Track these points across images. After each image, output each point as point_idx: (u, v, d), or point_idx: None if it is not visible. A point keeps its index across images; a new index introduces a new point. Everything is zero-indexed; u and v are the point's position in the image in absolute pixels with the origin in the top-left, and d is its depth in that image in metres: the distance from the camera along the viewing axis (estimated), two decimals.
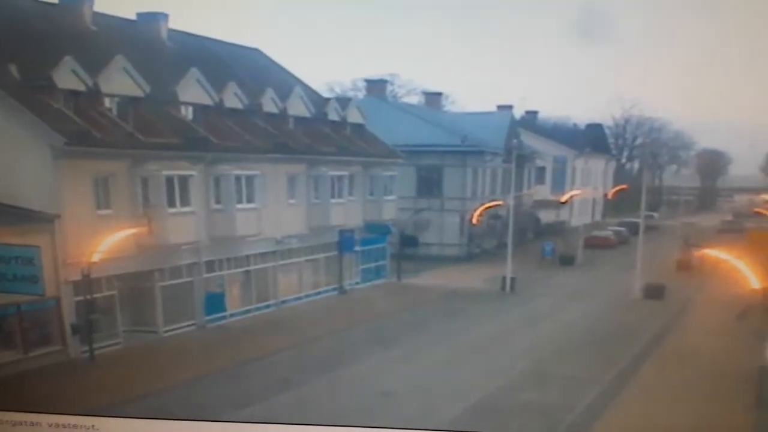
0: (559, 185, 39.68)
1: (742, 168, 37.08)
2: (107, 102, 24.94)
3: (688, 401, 20.38)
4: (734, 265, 25.64)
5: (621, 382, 22.78)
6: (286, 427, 8.24)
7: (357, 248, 32.68)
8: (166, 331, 25.97)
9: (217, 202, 27.10)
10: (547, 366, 23.98)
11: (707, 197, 43.38)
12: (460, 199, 35.40)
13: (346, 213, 31.68)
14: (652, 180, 40.87)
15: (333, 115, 31.95)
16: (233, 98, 28.28)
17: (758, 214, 33.49)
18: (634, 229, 35.71)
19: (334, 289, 32.08)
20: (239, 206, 27.35)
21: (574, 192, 39.46)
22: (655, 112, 38.94)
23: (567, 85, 29.66)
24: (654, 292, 30.80)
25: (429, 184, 35.36)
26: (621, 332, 27.38)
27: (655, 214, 39.31)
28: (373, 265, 33.85)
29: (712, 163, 41.72)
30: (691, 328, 27.82)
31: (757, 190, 34.97)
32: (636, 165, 42.73)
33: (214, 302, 27.52)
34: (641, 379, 23.09)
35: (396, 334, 26.73)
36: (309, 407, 20.59)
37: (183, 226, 25.85)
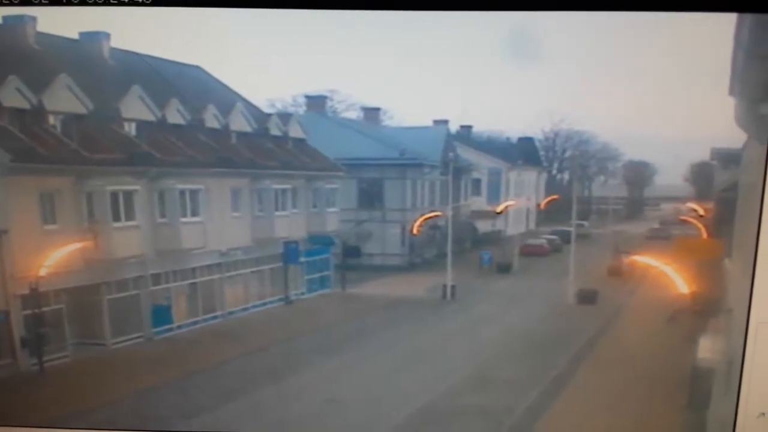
0: (494, 196, 40.11)
1: (667, 178, 37.78)
2: (52, 119, 25.13)
3: (624, 402, 21.14)
4: (663, 271, 26.44)
5: (558, 384, 23.51)
6: None
7: (302, 259, 32.87)
8: (115, 344, 26.10)
9: (162, 216, 27.37)
10: (488, 370, 24.58)
11: (635, 206, 43.96)
12: (401, 211, 35.66)
13: (290, 225, 31.91)
14: (581, 190, 41.53)
15: (275, 130, 32.24)
16: (175, 114, 28.53)
17: (684, 221, 34.15)
18: (566, 237, 36.28)
19: (280, 300, 32.19)
20: (184, 220, 27.65)
21: (508, 202, 40.05)
22: (583, 126, 39.38)
23: (499, 100, 30.21)
24: (587, 298, 31.43)
25: (370, 196, 35.55)
26: (557, 336, 27.96)
27: (586, 223, 39.94)
28: (317, 275, 34.07)
29: (639, 174, 42.37)
30: (623, 332, 28.47)
31: (682, 199, 35.60)
32: (566, 176, 43.35)
33: (162, 314, 27.68)
34: (577, 381, 23.83)
35: (341, 343, 27.11)
36: (257, 415, 20.96)
37: (128, 240, 26.09)
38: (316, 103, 35.82)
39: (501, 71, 28.42)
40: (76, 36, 27.59)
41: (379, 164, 34.98)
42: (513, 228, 40.20)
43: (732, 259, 16.03)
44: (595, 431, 19.56)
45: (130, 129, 27.43)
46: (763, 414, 7.88)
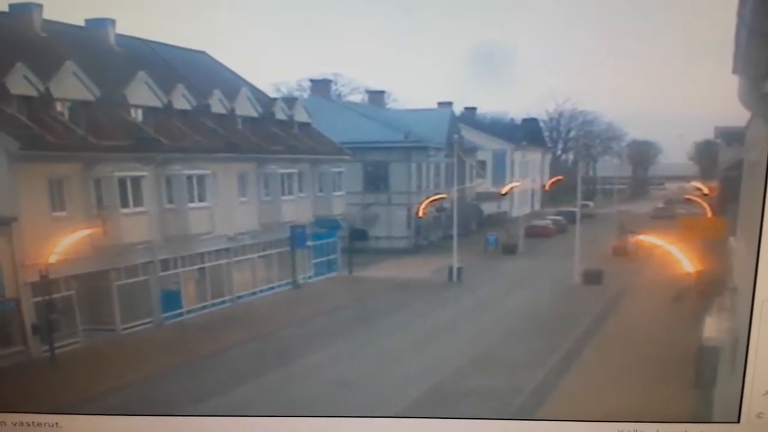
0: (499, 178, 40.16)
1: (671, 157, 37.85)
2: (59, 106, 25.28)
3: (630, 381, 21.22)
4: (668, 250, 26.44)
5: (565, 365, 23.63)
6: (243, 420, 8.70)
7: (309, 243, 33.04)
8: (124, 329, 26.36)
9: (170, 201, 27.52)
10: (495, 352, 24.70)
11: (639, 186, 44.05)
12: (406, 193, 35.70)
13: (297, 209, 32.06)
14: (586, 170, 41.57)
15: (280, 115, 32.30)
16: (182, 100, 28.60)
17: (689, 200, 34.14)
18: (571, 217, 36.25)
19: (288, 284, 32.40)
20: (191, 205, 27.85)
21: (513, 184, 40.13)
22: (587, 106, 39.34)
23: (503, 81, 30.12)
24: (593, 278, 31.53)
25: (376, 180, 35.58)
26: (563, 317, 28.08)
27: (591, 203, 39.94)
28: (324, 259, 34.29)
29: (643, 153, 42.44)
30: (629, 311, 28.59)
31: (687, 178, 35.65)
32: (571, 156, 43.42)
33: (171, 299, 27.93)
34: (584, 361, 23.95)
35: (349, 326, 27.24)
36: (266, 399, 21.10)
37: (137, 226, 26.26)
38: (321, 86, 35.87)
39: (504, 52, 28.37)
40: (81, 23, 27.77)
41: (384, 147, 35.18)
42: (518, 209, 40.27)
43: (737, 237, 16.01)
44: (602, 411, 19.61)
45: (137, 115, 27.54)
46: None
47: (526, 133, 40.73)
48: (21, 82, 23.85)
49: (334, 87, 36.73)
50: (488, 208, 39.75)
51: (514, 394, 21.48)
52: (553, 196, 41.18)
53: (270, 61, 29.69)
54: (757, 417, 7.95)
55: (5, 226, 22.75)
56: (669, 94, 28.32)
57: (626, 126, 38.56)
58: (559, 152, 43.36)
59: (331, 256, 34.83)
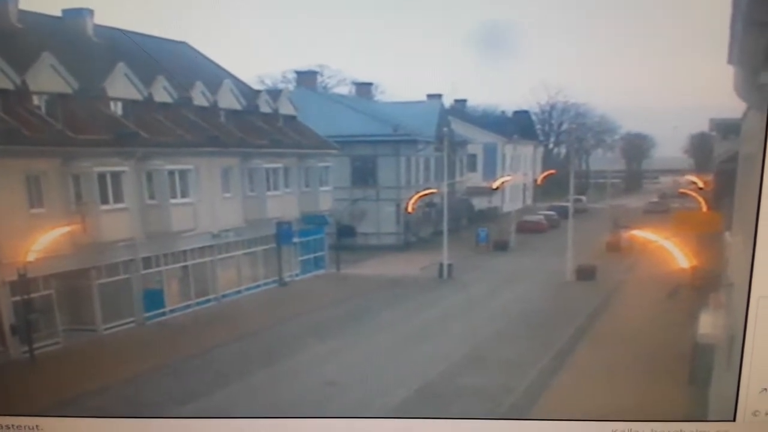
0: (490, 172, 40.03)
1: (666, 150, 37.79)
2: (36, 100, 24.78)
3: (625, 379, 20.97)
4: (662, 245, 26.23)
5: (558, 363, 23.36)
6: (229, 422, 8.42)
7: (295, 240, 32.72)
8: (106, 329, 25.96)
9: (151, 197, 27.13)
10: (486, 350, 24.46)
11: (633, 180, 44.09)
12: (395, 188, 35.53)
13: (283, 205, 31.65)
14: (579, 164, 41.41)
15: (265, 108, 31.93)
16: (162, 92, 28.16)
17: (683, 194, 34.08)
18: (563, 212, 36.17)
19: (274, 282, 32.05)
20: (173, 201, 27.40)
21: (505, 178, 39.97)
22: (580, 98, 39.24)
23: (493, 73, 29.81)
24: (586, 274, 31.33)
25: (364, 174, 35.42)
26: (556, 314, 27.95)
27: (584, 198, 39.97)
28: (311, 256, 33.96)
29: (637, 146, 42.46)
30: (623, 308, 28.36)
31: (682, 172, 35.60)
32: (563, 150, 43.25)
33: (153, 299, 27.50)
34: (577, 359, 23.68)
35: (337, 324, 26.96)
36: (252, 400, 20.79)
37: (117, 223, 25.89)
38: (307, 78, 35.67)
39: (495, 43, 28.01)
40: (59, 13, 27.40)
41: (372, 141, 34.98)
42: (510, 204, 40.18)
43: (732, 232, 15.79)
44: (596, 409, 19.33)
45: (117, 108, 27.10)
46: (765, 389, 7.80)
47: (518, 126, 40.56)
48: None
49: (320, 79, 36.50)
50: (479, 203, 39.67)
51: (506, 393, 21.20)
52: (545, 190, 41.00)
53: (254, 52, 29.34)
54: (753, 415, 7.94)
55: None
56: (663, 85, 28.06)
57: (619, 118, 38.44)
58: (551, 145, 43.20)
59: (319, 253, 34.49)
